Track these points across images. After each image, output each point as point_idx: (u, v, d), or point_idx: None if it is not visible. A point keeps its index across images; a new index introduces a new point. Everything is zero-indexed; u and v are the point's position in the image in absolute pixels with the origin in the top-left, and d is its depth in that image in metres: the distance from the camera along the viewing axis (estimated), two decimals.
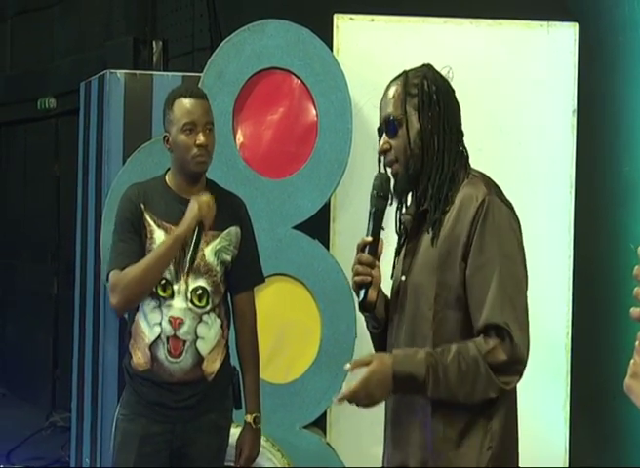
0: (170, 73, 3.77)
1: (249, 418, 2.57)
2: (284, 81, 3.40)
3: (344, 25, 3.46)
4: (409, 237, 1.98)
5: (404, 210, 2.02)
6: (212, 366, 2.50)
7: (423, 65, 2.01)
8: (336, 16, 3.46)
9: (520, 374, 1.84)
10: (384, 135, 1.96)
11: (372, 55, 3.47)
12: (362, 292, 1.94)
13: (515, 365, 1.82)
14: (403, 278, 1.95)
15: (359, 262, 1.94)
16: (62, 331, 5.87)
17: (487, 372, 1.79)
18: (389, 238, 2.04)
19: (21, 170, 6.89)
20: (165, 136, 2.50)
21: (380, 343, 2.04)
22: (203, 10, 4.95)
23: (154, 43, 4.85)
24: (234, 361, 2.62)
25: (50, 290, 6.23)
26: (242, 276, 2.58)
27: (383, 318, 2.03)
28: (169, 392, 2.47)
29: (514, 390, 1.89)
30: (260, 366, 2.67)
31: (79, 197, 3.95)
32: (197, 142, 2.44)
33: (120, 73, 3.56)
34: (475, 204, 1.84)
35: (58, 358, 6.14)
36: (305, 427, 3.39)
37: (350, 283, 1.99)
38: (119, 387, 3.44)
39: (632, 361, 1.33)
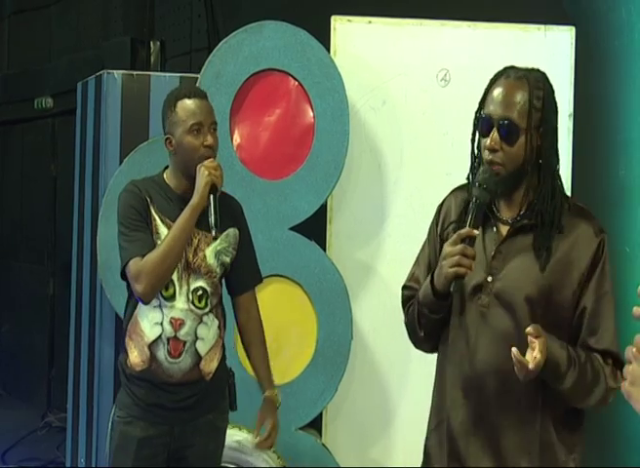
0: (167, 74, 3.77)
1: (269, 393, 2.59)
2: (281, 82, 3.41)
3: (342, 27, 3.47)
4: (501, 241, 1.99)
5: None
6: (210, 365, 2.50)
7: (538, 71, 1.99)
8: (333, 18, 3.47)
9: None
10: (496, 132, 1.92)
11: (369, 57, 3.48)
12: (458, 284, 1.92)
13: (615, 393, 1.94)
14: (489, 279, 1.97)
15: (464, 254, 1.90)
16: (59, 331, 5.87)
17: (606, 385, 1.93)
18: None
19: (18, 169, 6.88)
20: (167, 139, 2.47)
21: (437, 327, 2.06)
22: (201, 11, 4.95)
23: (152, 43, 4.86)
24: (230, 362, 2.62)
25: (46, 290, 6.22)
26: (244, 277, 2.59)
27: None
28: (166, 393, 2.46)
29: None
30: None
31: (76, 197, 3.95)
32: (205, 143, 2.42)
33: (117, 73, 3.57)
34: (597, 238, 1.97)
35: (54, 358, 6.13)
36: (301, 428, 3.40)
37: (444, 271, 1.92)
38: (115, 387, 3.44)
39: (630, 367, 1.34)
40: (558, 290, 1.93)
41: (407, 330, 2.15)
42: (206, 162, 2.40)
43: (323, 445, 3.42)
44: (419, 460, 2.15)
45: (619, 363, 1.94)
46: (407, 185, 3.47)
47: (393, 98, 3.48)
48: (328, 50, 3.43)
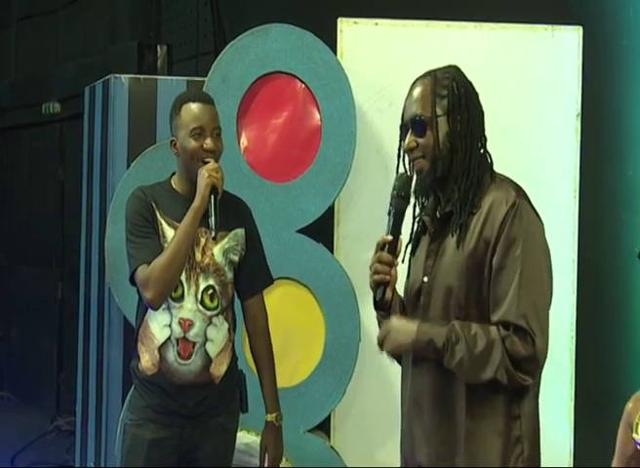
0: (174, 78, 3.77)
1: (270, 417, 2.59)
2: (288, 85, 3.41)
3: (348, 29, 3.47)
4: (432, 239, 2.00)
5: (418, 209, 2.06)
6: (219, 369, 2.50)
7: (450, 66, 2.04)
8: (340, 20, 3.47)
9: (533, 376, 1.88)
10: (410, 132, 1.99)
11: (376, 58, 3.47)
12: (380, 291, 1.95)
13: (531, 363, 1.86)
14: (425, 279, 1.98)
15: (379, 261, 1.94)
16: (67, 335, 5.88)
17: (503, 356, 1.84)
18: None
19: (26, 174, 6.90)
20: (172, 141, 2.51)
21: None
22: (207, 14, 4.96)
23: (158, 47, 4.86)
24: (241, 365, 2.62)
25: (54, 294, 6.24)
26: (252, 280, 2.59)
27: None
28: (177, 396, 2.47)
29: (536, 397, 1.95)
30: None
31: (84, 201, 3.95)
32: (205, 147, 2.44)
33: (124, 78, 3.57)
34: (505, 207, 1.90)
35: (62, 362, 6.14)
36: (310, 431, 3.39)
37: (368, 281, 1.98)
38: (123, 391, 3.44)
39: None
40: (479, 269, 1.89)
41: None
42: (207, 164, 2.42)
43: (331, 447, 3.42)
44: None
45: (523, 331, 1.85)
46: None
47: (400, 100, 3.41)
48: (334, 52, 3.43)
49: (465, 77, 2.02)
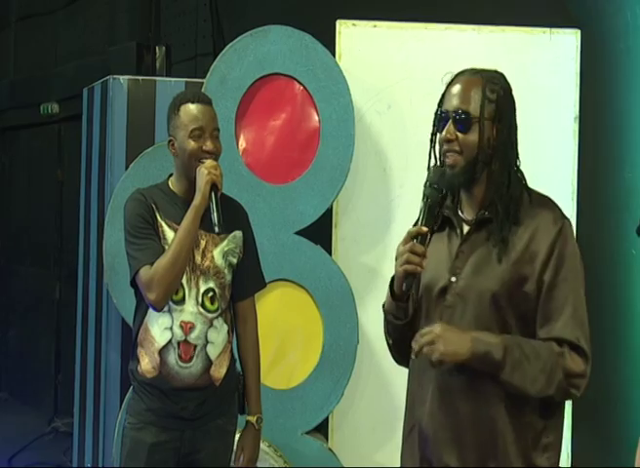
0: (173, 79, 3.77)
1: (252, 419, 2.58)
2: (286, 87, 3.41)
3: (347, 31, 3.47)
4: (463, 239, 1.99)
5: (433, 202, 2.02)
6: (219, 371, 2.51)
7: (497, 72, 2.02)
8: (338, 22, 3.47)
9: (580, 391, 1.91)
10: (451, 124, 1.95)
11: (374, 60, 3.48)
12: (409, 281, 1.94)
13: (582, 379, 1.90)
14: (453, 279, 1.97)
15: (412, 251, 1.92)
16: (65, 335, 5.88)
17: (560, 372, 1.86)
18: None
19: (25, 174, 6.90)
20: (170, 141, 2.50)
21: (404, 334, 2.04)
22: (206, 15, 4.96)
23: (157, 48, 4.86)
24: (238, 366, 2.63)
25: (52, 294, 6.23)
26: (245, 283, 2.59)
27: (411, 310, 2.04)
28: (177, 399, 2.47)
29: (563, 407, 1.98)
30: (263, 371, 2.68)
31: (82, 202, 3.96)
32: (204, 148, 2.44)
33: (123, 78, 3.57)
34: (555, 226, 1.93)
35: (60, 363, 6.14)
36: (308, 433, 3.40)
37: (396, 271, 1.96)
38: (121, 392, 3.44)
39: None
40: (521, 281, 1.91)
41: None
42: (207, 162, 2.42)
43: (329, 449, 3.42)
44: None
45: (578, 349, 1.89)
46: (412, 189, 3.46)
47: (398, 102, 3.48)
48: (333, 54, 3.43)
49: (511, 88, 2.00)
